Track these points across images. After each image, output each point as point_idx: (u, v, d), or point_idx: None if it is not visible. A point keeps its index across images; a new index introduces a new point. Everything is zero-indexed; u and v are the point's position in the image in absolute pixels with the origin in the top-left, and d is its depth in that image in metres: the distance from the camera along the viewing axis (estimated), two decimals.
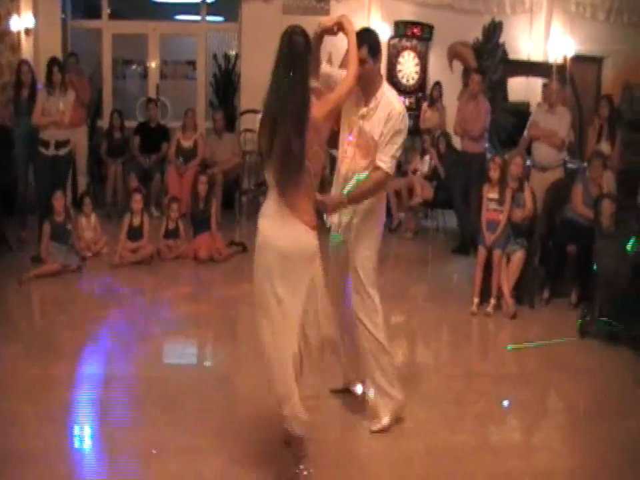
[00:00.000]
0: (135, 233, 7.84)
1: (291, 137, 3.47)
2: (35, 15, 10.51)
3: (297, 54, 3.59)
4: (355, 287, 4.31)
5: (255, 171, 10.44)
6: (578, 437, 4.50)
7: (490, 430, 4.59)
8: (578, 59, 11.56)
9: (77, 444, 4.18)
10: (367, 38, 4.05)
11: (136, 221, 7.88)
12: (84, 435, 4.28)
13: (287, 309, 3.59)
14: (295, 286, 3.60)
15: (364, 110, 4.16)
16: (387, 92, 4.19)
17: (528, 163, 8.35)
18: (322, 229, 3.90)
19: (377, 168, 4.10)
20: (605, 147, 7.79)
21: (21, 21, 10.39)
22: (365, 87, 4.12)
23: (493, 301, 6.57)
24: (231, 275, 7.65)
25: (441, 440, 4.31)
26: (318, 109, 3.60)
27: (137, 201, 7.96)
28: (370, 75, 4.08)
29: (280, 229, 3.62)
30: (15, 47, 10.42)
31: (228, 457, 4.00)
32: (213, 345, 5.92)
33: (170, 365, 5.52)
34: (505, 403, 4.96)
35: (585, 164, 7.74)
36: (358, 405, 4.66)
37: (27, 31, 10.45)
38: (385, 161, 4.09)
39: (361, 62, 3.93)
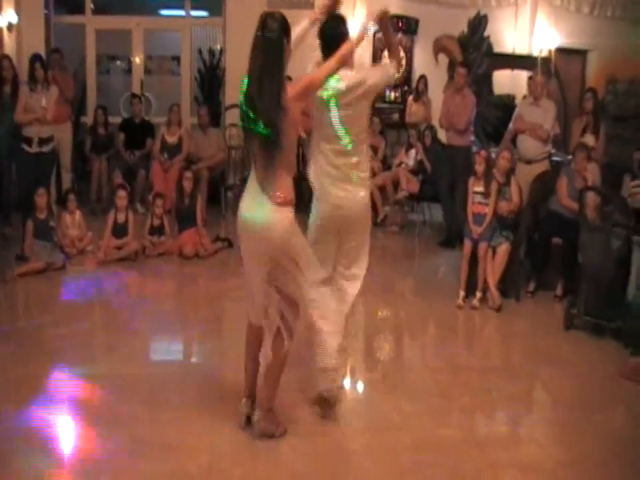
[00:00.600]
0: (119, 230, 7.80)
1: (267, 119, 3.61)
2: (18, 10, 10.43)
3: (270, 38, 3.64)
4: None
5: (240, 166, 10.42)
6: (564, 429, 4.52)
7: (476, 423, 4.61)
8: (563, 51, 11.62)
9: (61, 442, 4.16)
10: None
11: (121, 218, 7.84)
12: (69, 433, 4.26)
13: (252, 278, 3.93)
14: (259, 261, 3.84)
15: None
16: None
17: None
18: None
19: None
20: (589, 139, 7.81)
21: (3, 17, 10.30)
22: None
23: (478, 294, 6.57)
24: (217, 271, 7.62)
25: (428, 433, 4.32)
26: (289, 88, 3.67)
27: (121, 197, 7.92)
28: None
29: (249, 208, 3.81)
30: None
31: (214, 453, 3.99)
32: (199, 341, 5.88)
33: (156, 361, 5.49)
34: (491, 395, 4.98)
35: (570, 156, 7.75)
36: (342, 399, 4.66)
37: (10, 27, 10.36)
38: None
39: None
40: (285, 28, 3.70)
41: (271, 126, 3.61)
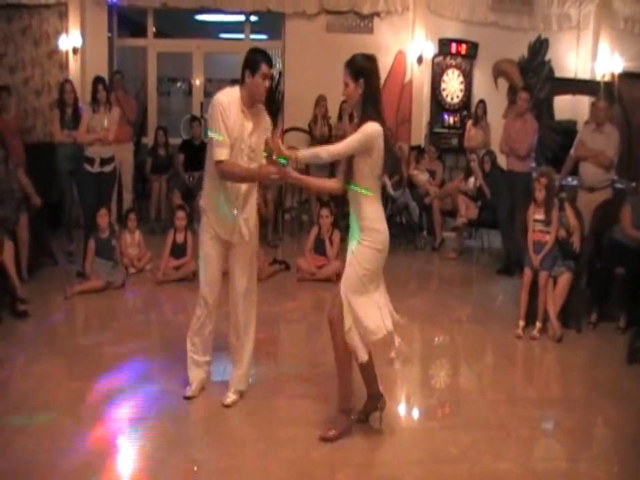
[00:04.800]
0: (178, 250, 7.87)
1: None
2: (83, 34, 10.68)
3: None
4: None
5: (297, 189, 10.43)
6: (625, 465, 4.37)
7: (534, 457, 4.48)
8: (626, 76, 11.40)
9: (116, 460, 4.17)
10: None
11: (179, 238, 7.91)
12: (124, 451, 4.28)
13: None
14: None
15: None
16: None
17: (571, 181, 8.25)
18: None
19: None
20: None
21: (69, 40, 10.57)
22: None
23: (538, 324, 6.44)
24: (273, 293, 7.61)
25: (485, 466, 4.22)
26: None
27: (180, 217, 8.00)
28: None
29: None
30: (63, 65, 10.62)
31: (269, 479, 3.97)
32: (254, 364, 5.86)
33: (211, 383, 5.48)
34: (550, 428, 4.86)
35: (634, 184, 7.58)
36: (392, 427, 4.57)
37: (75, 50, 10.63)
38: None
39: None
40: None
41: None
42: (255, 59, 4.56)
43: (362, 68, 4.27)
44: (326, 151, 4.32)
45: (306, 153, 4.47)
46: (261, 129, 4.73)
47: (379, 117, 4.25)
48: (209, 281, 4.83)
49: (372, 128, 4.19)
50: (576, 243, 6.63)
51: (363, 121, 4.25)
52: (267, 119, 4.84)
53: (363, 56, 4.34)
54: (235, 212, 4.71)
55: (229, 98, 4.53)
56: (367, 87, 4.25)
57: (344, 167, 4.36)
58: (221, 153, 4.49)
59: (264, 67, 4.53)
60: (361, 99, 4.28)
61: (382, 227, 4.32)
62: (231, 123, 4.51)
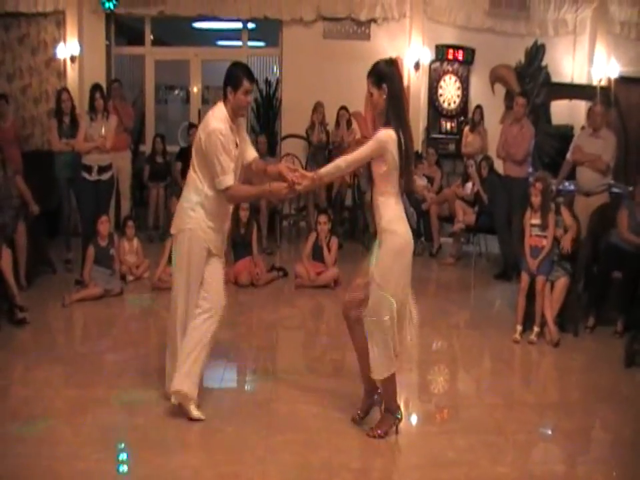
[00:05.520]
0: None
1: None
2: (81, 42, 10.71)
3: None
4: None
5: (295, 196, 10.43)
6: (623, 469, 4.38)
7: (532, 461, 4.50)
8: (623, 80, 11.43)
9: (115, 467, 4.17)
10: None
11: None
12: (123, 458, 4.28)
13: None
14: None
15: None
16: None
17: (568, 186, 8.26)
18: None
19: None
20: None
21: (67, 49, 10.60)
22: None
23: (536, 329, 6.44)
24: (271, 300, 7.63)
25: (482, 470, 4.22)
26: None
27: None
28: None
29: None
30: (61, 74, 10.65)
31: None
32: (252, 370, 5.88)
33: (209, 389, 5.47)
34: (548, 432, 4.86)
35: (631, 188, 7.58)
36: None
37: (73, 58, 10.66)
38: None
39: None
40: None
41: None
42: (236, 75, 4.55)
43: (383, 73, 4.29)
44: (344, 161, 4.36)
45: (327, 168, 4.43)
46: (242, 138, 4.75)
47: (400, 122, 4.26)
48: (195, 294, 4.84)
49: (385, 135, 4.22)
50: (566, 242, 6.64)
51: (384, 127, 4.27)
52: (244, 126, 4.85)
53: (384, 61, 4.38)
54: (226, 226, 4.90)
55: (222, 122, 4.52)
56: (390, 91, 4.25)
57: (365, 171, 4.43)
58: (228, 180, 4.52)
59: (245, 83, 4.53)
60: (385, 105, 4.27)
61: (401, 228, 4.30)
62: (230, 146, 4.53)
